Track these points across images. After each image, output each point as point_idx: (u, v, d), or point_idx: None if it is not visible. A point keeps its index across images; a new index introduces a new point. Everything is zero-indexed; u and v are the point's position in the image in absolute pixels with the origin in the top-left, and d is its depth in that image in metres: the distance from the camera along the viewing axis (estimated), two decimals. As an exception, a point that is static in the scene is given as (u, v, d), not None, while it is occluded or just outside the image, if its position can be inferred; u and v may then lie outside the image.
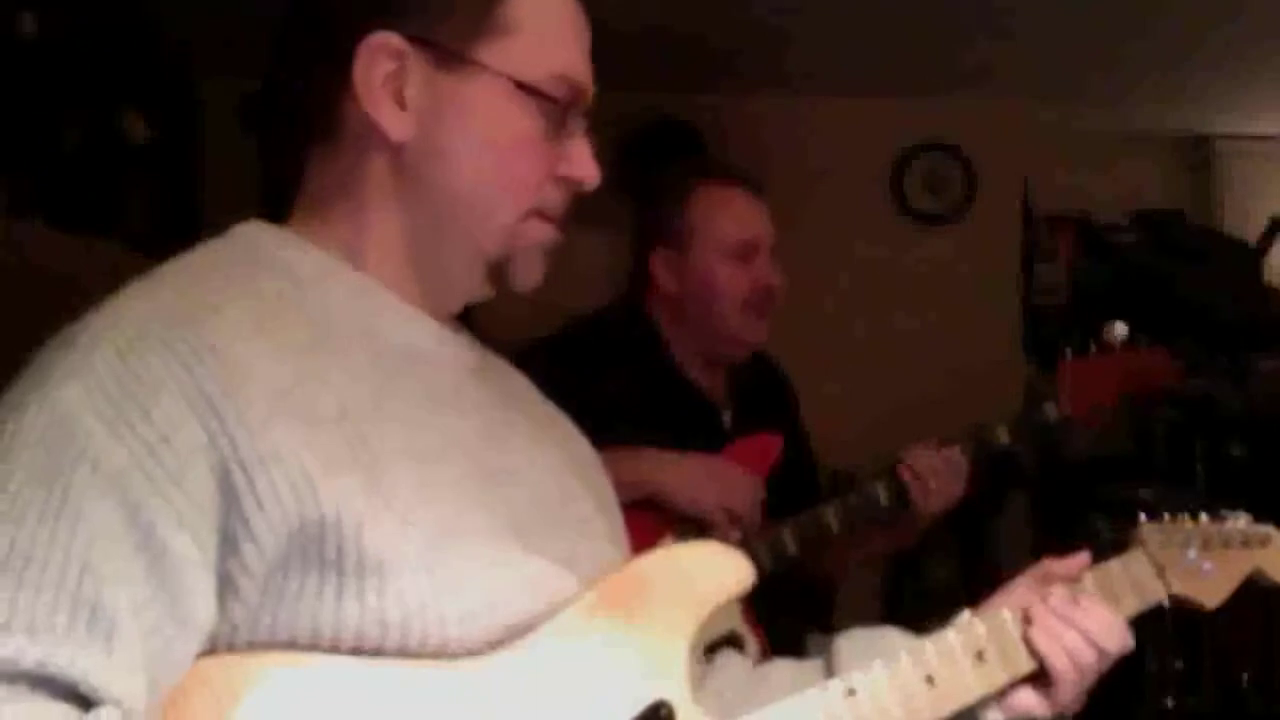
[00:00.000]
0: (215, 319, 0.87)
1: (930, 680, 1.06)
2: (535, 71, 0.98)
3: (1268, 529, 1.34)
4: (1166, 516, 1.28)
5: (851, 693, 1.03)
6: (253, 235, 1.00)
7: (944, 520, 2.11)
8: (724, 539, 1.90)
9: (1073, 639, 1.10)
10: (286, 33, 1.02)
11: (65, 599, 0.75)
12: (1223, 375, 3.80)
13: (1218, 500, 1.42)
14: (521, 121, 0.98)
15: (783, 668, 1.16)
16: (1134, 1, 3.32)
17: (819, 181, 4.03)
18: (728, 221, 2.10)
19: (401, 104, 0.96)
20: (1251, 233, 4.50)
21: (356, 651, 0.85)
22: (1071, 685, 1.10)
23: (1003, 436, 2.11)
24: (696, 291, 2.09)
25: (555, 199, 1.02)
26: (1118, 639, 1.11)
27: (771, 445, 2.12)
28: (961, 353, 4.04)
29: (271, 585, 0.83)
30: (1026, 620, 1.11)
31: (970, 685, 1.08)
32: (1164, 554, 1.24)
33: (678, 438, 2.00)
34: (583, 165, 1.02)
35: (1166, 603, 1.23)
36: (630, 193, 2.32)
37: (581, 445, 1.17)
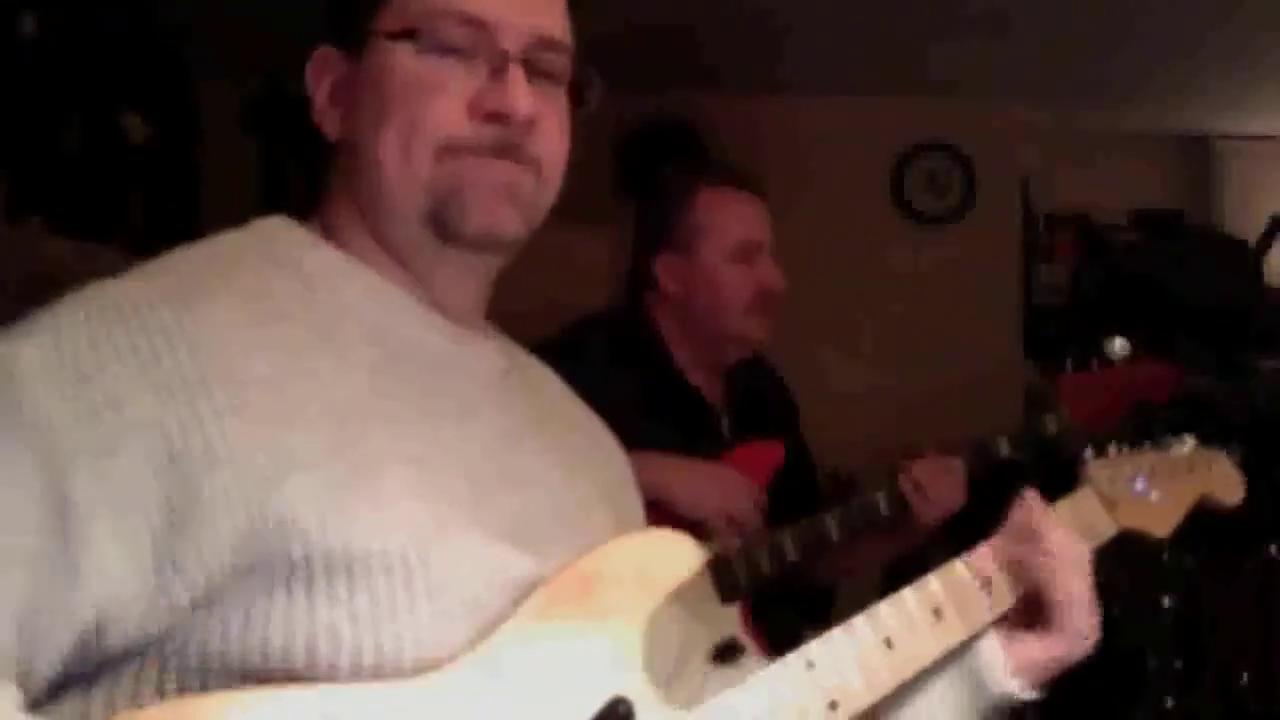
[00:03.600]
0: (206, 305, 0.87)
1: (889, 643, 1.04)
2: (407, 17, 0.98)
3: (1213, 452, 1.34)
4: (1113, 451, 1.27)
5: (810, 665, 1.01)
6: (271, 230, 1.00)
7: (945, 524, 2.11)
8: (724, 545, 1.90)
9: (1036, 549, 1.10)
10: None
11: None
12: (1223, 375, 3.79)
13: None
14: (405, 70, 0.98)
15: None
16: (1134, 1, 3.32)
17: (819, 182, 4.02)
18: (731, 223, 2.11)
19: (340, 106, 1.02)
20: (1251, 233, 4.50)
21: (327, 665, 0.82)
22: (1069, 607, 1.09)
23: (1004, 449, 2.12)
24: (702, 294, 2.09)
25: (484, 135, 0.98)
26: (1072, 547, 1.11)
27: (773, 452, 2.13)
28: (962, 353, 4.04)
29: (234, 583, 0.81)
30: (997, 558, 1.11)
31: (929, 645, 1.06)
32: (1113, 489, 1.23)
33: (676, 441, 2.00)
34: (502, 97, 0.97)
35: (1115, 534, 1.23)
36: (629, 192, 2.32)
37: (609, 455, 1.15)
